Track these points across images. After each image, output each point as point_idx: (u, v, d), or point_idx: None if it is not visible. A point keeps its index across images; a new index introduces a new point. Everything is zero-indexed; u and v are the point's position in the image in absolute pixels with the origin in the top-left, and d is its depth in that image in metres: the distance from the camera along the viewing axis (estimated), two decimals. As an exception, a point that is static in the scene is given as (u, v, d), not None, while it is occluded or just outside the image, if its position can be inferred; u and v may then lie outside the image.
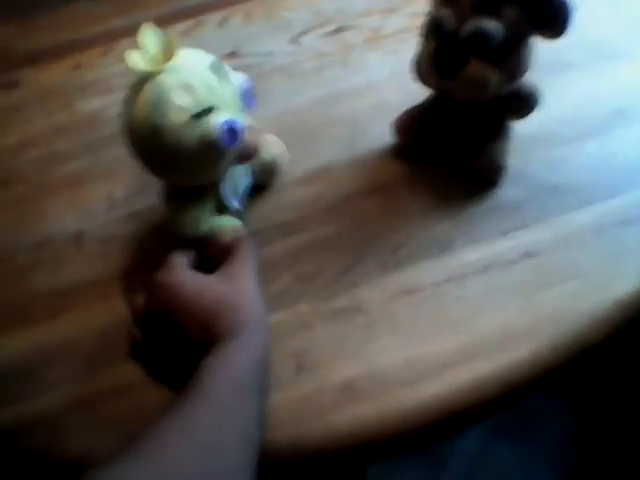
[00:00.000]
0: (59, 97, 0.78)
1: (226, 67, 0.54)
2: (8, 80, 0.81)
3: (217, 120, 0.50)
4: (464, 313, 0.54)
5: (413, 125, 0.65)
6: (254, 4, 0.87)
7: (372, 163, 0.66)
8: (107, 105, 0.76)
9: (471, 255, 0.58)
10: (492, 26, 0.52)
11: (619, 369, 1.18)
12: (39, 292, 0.60)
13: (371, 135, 0.68)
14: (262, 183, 0.64)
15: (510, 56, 0.55)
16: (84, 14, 0.88)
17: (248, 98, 0.55)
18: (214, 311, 0.49)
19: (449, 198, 0.62)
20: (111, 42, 0.83)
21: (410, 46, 0.58)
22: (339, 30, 0.82)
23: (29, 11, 0.90)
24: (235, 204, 0.59)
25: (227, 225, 0.57)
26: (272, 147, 0.63)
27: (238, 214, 0.59)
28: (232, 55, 0.80)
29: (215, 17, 0.86)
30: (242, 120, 0.53)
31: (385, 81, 0.74)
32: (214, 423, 0.42)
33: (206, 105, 0.50)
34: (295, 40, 0.82)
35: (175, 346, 0.51)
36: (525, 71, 0.56)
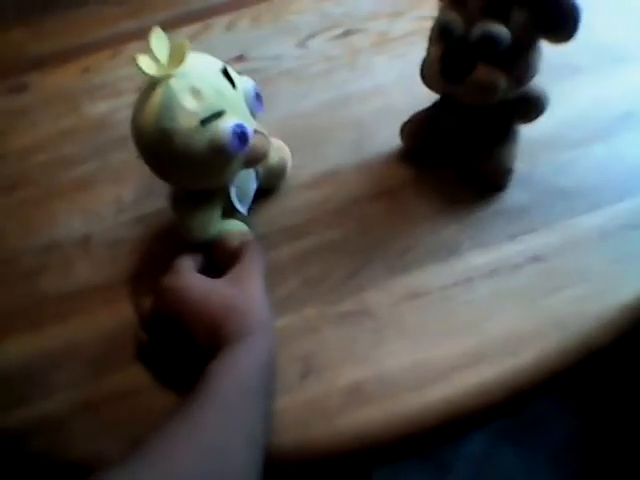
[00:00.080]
0: (67, 101, 0.79)
1: (234, 72, 0.54)
2: (16, 84, 0.82)
3: (226, 125, 0.51)
4: (471, 317, 0.54)
5: (420, 129, 0.65)
6: (261, 8, 0.87)
7: (379, 167, 0.66)
8: (115, 109, 0.76)
9: (478, 259, 0.58)
10: (500, 30, 0.52)
11: (624, 373, 1.17)
12: (46, 296, 0.60)
13: (378, 139, 0.68)
14: (269, 187, 0.64)
15: (518, 60, 0.55)
16: (92, 18, 0.89)
17: (256, 102, 0.55)
18: (221, 315, 0.49)
19: (456, 202, 0.62)
20: (119, 46, 0.83)
21: (417, 50, 0.58)
22: (346, 34, 0.82)
23: (37, 15, 0.90)
24: (242, 208, 0.59)
25: (234, 229, 0.57)
26: (278, 151, 0.63)
27: (245, 218, 0.59)
28: (239, 59, 0.80)
29: (222, 21, 0.86)
30: (250, 124, 0.53)
31: (392, 85, 0.74)
32: (220, 427, 0.42)
33: (215, 110, 0.50)
34: (302, 44, 0.82)
35: (181, 349, 0.51)
36: (533, 75, 0.56)
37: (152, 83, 0.50)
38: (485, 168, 0.62)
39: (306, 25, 0.84)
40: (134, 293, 0.59)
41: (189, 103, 0.49)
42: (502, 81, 0.54)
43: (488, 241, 0.59)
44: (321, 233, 0.61)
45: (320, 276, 0.58)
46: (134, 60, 0.49)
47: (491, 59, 0.53)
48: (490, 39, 0.52)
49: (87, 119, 0.76)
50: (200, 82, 0.50)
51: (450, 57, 0.55)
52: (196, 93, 0.50)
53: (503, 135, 0.61)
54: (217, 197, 0.56)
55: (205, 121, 0.50)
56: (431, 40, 0.58)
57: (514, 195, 0.62)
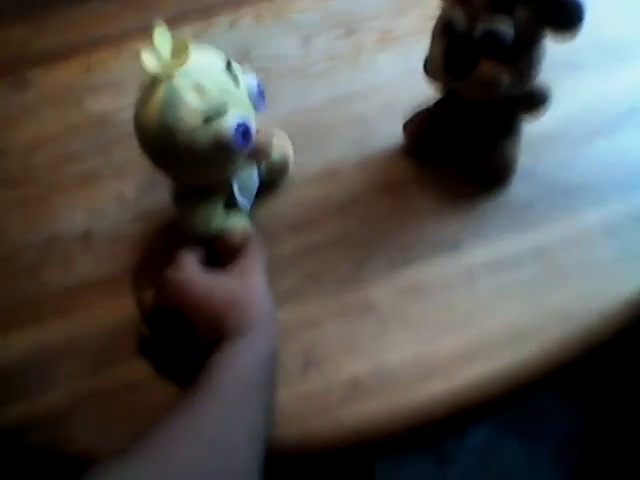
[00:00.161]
0: (69, 97, 0.79)
1: (238, 68, 0.54)
2: (18, 80, 0.82)
3: (230, 121, 0.51)
4: (473, 311, 0.54)
5: (423, 125, 0.65)
6: (264, 6, 0.87)
7: (382, 163, 0.66)
8: (118, 105, 0.75)
9: (481, 253, 0.58)
10: (504, 26, 0.52)
11: (627, 366, 1.17)
12: (47, 290, 0.60)
13: (381, 135, 0.68)
14: (271, 182, 0.64)
15: (522, 56, 0.55)
16: (95, 14, 0.89)
17: (259, 99, 0.55)
18: (223, 309, 0.49)
19: (459, 197, 0.62)
20: (122, 42, 0.83)
21: (421, 47, 0.58)
22: (349, 32, 0.82)
23: (40, 11, 0.90)
24: (245, 203, 0.59)
25: (237, 224, 0.57)
26: (281, 147, 0.63)
27: (247, 213, 0.59)
28: (242, 57, 0.80)
29: (225, 19, 0.86)
30: (254, 121, 0.53)
31: (396, 82, 0.74)
32: (220, 421, 0.42)
33: (219, 106, 0.50)
34: (305, 42, 0.82)
35: (183, 343, 0.51)
36: (537, 71, 0.56)
37: (155, 80, 0.50)
38: (488, 163, 0.62)
39: (309, 23, 0.84)
40: (136, 287, 0.59)
41: (193, 100, 0.49)
42: (506, 77, 0.54)
43: (491, 235, 0.59)
44: (324, 228, 0.61)
45: (322, 270, 0.58)
46: (138, 57, 0.49)
47: (495, 55, 0.53)
48: (494, 35, 0.52)
49: (90, 116, 0.76)
50: (204, 79, 0.50)
51: (454, 53, 0.55)
52: (200, 90, 0.50)
53: (506, 130, 0.61)
54: (220, 192, 0.56)
55: (209, 118, 0.50)
56: (434, 36, 0.58)
57: (517, 190, 0.62)
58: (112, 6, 0.89)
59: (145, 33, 0.50)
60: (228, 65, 0.53)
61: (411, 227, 0.60)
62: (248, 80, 0.55)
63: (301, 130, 0.69)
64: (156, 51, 0.50)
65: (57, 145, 0.73)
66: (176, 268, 0.52)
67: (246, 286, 0.51)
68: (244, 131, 0.51)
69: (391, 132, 0.67)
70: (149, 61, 0.49)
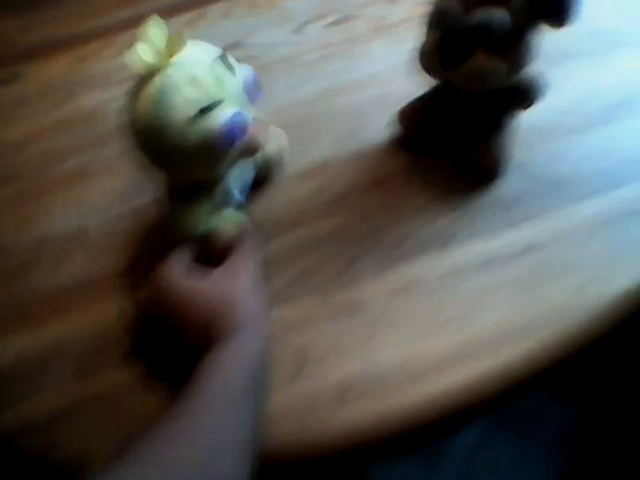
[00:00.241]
0: (60, 91, 0.78)
1: (232, 59, 0.53)
2: (8, 74, 0.81)
3: (225, 114, 0.50)
4: (466, 307, 0.54)
5: (416, 117, 0.64)
6: (258, -6, 0.86)
7: (374, 156, 0.66)
8: (109, 99, 0.75)
9: (474, 248, 0.58)
10: (499, 16, 0.52)
11: (617, 363, 1.17)
12: (37, 291, 0.60)
13: (373, 127, 0.68)
14: (264, 176, 0.64)
15: (516, 46, 0.54)
16: (85, 7, 0.88)
17: (253, 91, 0.55)
18: (212, 313, 0.48)
19: (451, 191, 0.62)
20: (112, 35, 0.83)
21: (415, 35, 0.58)
22: (343, 20, 0.81)
23: (30, 5, 0.89)
24: (240, 198, 0.59)
25: (231, 220, 0.57)
26: (275, 140, 0.63)
27: (241, 208, 0.59)
28: (235, 46, 0.79)
29: (218, 8, 0.85)
30: (249, 113, 0.53)
31: (389, 72, 0.73)
32: (211, 427, 0.42)
33: (213, 99, 0.50)
34: (299, 31, 0.81)
35: (174, 347, 0.51)
36: (531, 61, 0.56)
37: (148, 72, 0.50)
38: (481, 156, 0.62)
39: (302, 11, 0.83)
40: (126, 288, 0.58)
41: (187, 92, 0.49)
42: (500, 67, 0.54)
43: (483, 230, 0.59)
44: (316, 224, 0.61)
45: (315, 268, 0.58)
46: (131, 49, 0.48)
47: (489, 45, 0.53)
48: (488, 25, 0.52)
49: (80, 110, 0.76)
50: (198, 71, 0.50)
51: (448, 43, 0.55)
52: (195, 82, 0.49)
53: (499, 123, 0.61)
54: (211, 190, 0.56)
55: (203, 110, 0.49)
56: (428, 26, 0.57)
57: (510, 183, 0.62)
58: (101, -1, 0.89)
59: (137, 25, 0.49)
60: (223, 56, 0.52)
61: (404, 222, 0.60)
62: (243, 71, 0.54)
63: (293, 123, 0.68)
64: (150, 42, 0.49)
65: (47, 141, 0.73)
66: (164, 270, 0.52)
67: (234, 288, 0.50)
68: (238, 123, 0.51)
69: (383, 124, 0.67)
70: (141, 53, 0.48)
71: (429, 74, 0.59)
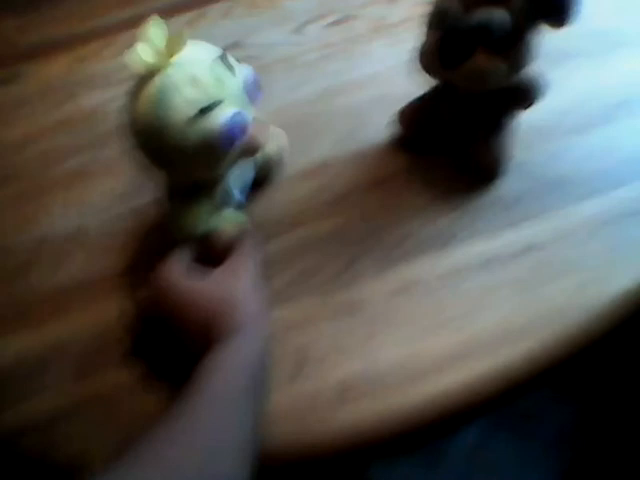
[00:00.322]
0: (60, 91, 0.78)
1: (232, 60, 0.53)
2: (8, 74, 0.81)
3: (225, 114, 0.50)
4: (466, 308, 0.54)
5: (416, 117, 0.64)
6: (258, -6, 0.86)
7: (374, 156, 0.66)
8: (109, 99, 0.75)
9: (474, 248, 0.58)
10: (499, 16, 0.52)
11: (617, 363, 1.17)
12: (37, 292, 0.60)
13: (373, 128, 0.68)
14: (264, 176, 0.64)
15: (516, 46, 0.54)
16: (84, 7, 0.88)
17: (253, 91, 0.55)
18: (212, 312, 0.48)
19: (451, 191, 0.62)
20: (112, 35, 0.83)
21: (415, 35, 0.58)
22: (343, 20, 0.81)
23: (29, 5, 0.89)
24: (240, 198, 0.59)
25: (231, 220, 0.57)
26: (275, 140, 0.63)
27: (241, 208, 0.59)
28: (235, 46, 0.79)
29: (218, 8, 0.85)
30: (249, 113, 0.53)
31: (390, 72, 0.73)
32: (211, 428, 0.42)
33: (214, 99, 0.50)
34: (299, 30, 0.81)
35: (174, 346, 0.51)
36: (531, 61, 0.56)
37: (148, 72, 0.50)
38: (481, 156, 0.62)
39: (302, 11, 0.83)
40: (126, 288, 0.58)
41: (187, 92, 0.49)
42: (500, 67, 0.54)
43: (483, 230, 0.59)
44: (316, 224, 0.61)
45: (315, 268, 0.58)
46: (132, 49, 0.48)
47: (489, 45, 0.53)
48: (488, 25, 0.52)
49: (80, 110, 0.75)
50: (198, 70, 0.50)
51: (447, 43, 0.55)
52: (195, 82, 0.49)
53: (499, 122, 0.61)
54: (211, 190, 0.56)
55: (203, 110, 0.49)
56: (428, 26, 0.57)
57: (510, 183, 0.62)
58: (101, -1, 0.89)
59: (136, 25, 0.49)
60: (223, 56, 0.52)
61: (404, 222, 0.60)
62: (243, 72, 0.54)
63: (293, 123, 0.68)
64: (150, 43, 0.49)
65: (47, 141, 0.73)
66: (164, 269, 0.52)
67: (234, 288, 0.50)
68: (238, 123, 0.51)
69: (384, 124, 0.67)
70: (141, 53, 0.48)
71: (429, 74, 0.59)
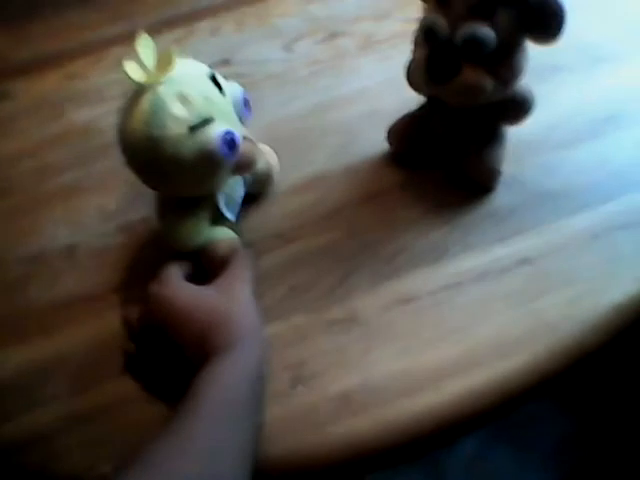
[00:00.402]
0: (50, 108, 0.78)
1: (222, 78, 0.53)
2: (0, 91, 0.81)
3: (215, 132, 0.50)
4: (460, 321, 0.54)
5: (407, 132, 0.65)
6: (246, 12, 0.87)
7: (366, 171, 0.66)
8: (100, 115, 0.75)
9: (467, 262, 0.58)
10: (486, 32, 0.52)
11: (615, 372, 1.18)
12: (33, 307, 0.60)
13: (365, 143, 0.68)
14: (256, 193, 0.64)
15: (504, 61, 0.55)
16: (75, 23, 0.88)
17: (244, 109, 0.55)
18: (208, 325, 0.48)
19: (444, 205, 0.62)
20: (103, 51, 0.83)
21: (403, 51, 0.58)
22: (332, 37, 0.82)
23: (19, 22, 0.89)
24: (231, 215, 0.59)
25: (222, 237, 0.57)
26: (266, 157, 0.63)
27: (233, 225, 0.59)
28: (224, 63, 0.80)
29: (207, 25, 0.86)
30: (239, 131, 0.53)
31: (378, 87, 0.74)
32: (208, 442, 0.42)
33: (204, 116, 0.50)
34: (288, 47, 0.81)
35: (170, 360, 0.51)
36: (519, 76, 0.56)
37: (139, 89, 0.50)
38: (472, 170, 0.62)
39: (291, 28, 0.84)
40: (121, 303, 0.58)
41: (178, 110, 0.49)
42: (488, 82, 0.54)
43: (476, 244, 0.59)
44: (309, 239, 0.61)
45: (308, 283, 0.58)
46: (121, 66, 0.48)
47: (477, 61, 0.53)
48: (476, 41, 0.52)
49: (71, 126, 0.75)
50: (188, 88, 0.50)
51: (435, 59, 0.55)
52: (184, 100, 0.49)
53: (490, 137, 0.61)
54: (205, 204, 0.56)
55: (194, 128, 0.49)
56: (416, 42, 0.58)
57: (501, 197, 0.62)
58: (92, 15, 0.89)
59: (126, 42, 0.50)
60: (213, 75, 0.52)
61: (396, 236, 0.60)
62: (233, 90, 0.54)
63: (284, 139, 0.68)
64: (139, 60, 0.49)
65: (39, 157, 0.73)
66: (160, 284, 0.52)
67: (231, 301, 0.50)
68: (229, 141, 0.51)
69: (375, 139, 0.67)
70: (132, 71, 0.48)
71: (418, 90, 0.59)
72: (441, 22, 0.54)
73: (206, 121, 0.50)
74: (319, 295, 0.57)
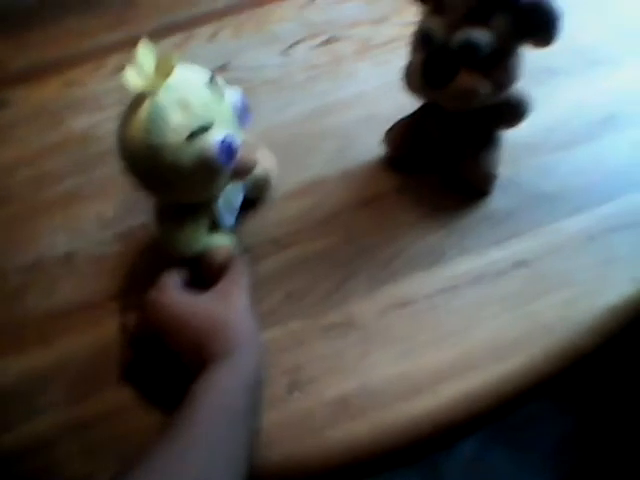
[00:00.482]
0: (49, 115, 0.79)
1: (222, 83, 0.53)
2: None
3: (214, 138, 0.50)
4: (457, 325, 0.54)
5: (404, 136, 0.65)
6: (244, 17, 0.87)
7: (363, 175, 0.66)
8: (98, 122, 0.76)
9: (463, 266, 0.58)
10: (482, 36, 0.52)
11: (614, 372, 1.18)
12: (31, 315, 0.60)
13: (362, 147, 0.68)
14: (254, 198, 0.64)
15: (500, 65, 0.55)
16: (73, 30, 0.89)
17: (243, 114, 0.55)
18: (205, 332, 0.48)
19: (440, 209, 0.62)
20: (101, 58, 0.83)
21: (400, 56, 0.58)
22: (329, 41, 0.82)
23: (18, 30, 0.90)
24: (229, 221, 0.59)
25: (221, 243, 0.57)
26: (264, 161, 0.63)
27: (231, 230, 0.59)
28: (222, 69, 0.80)
29: (205, 31, 0.86)
30: (238, 136, 0.53)
31: (376, 92, 0.74)
32: (206, 448, 0.42)
33: (203, 122, 0.50)
34: (285, 52, 0.82)
35: (167, 367, 0.51)
36: (515, 80, 0.56)
37: (139, 97, 0.50)
38: (469, 173, 0.62)
39: (288, 34, 0.84)
40: (119, 310, 0.58)
41: (177, 116, 0.49)
42: (484, 87, 0.54)
43: (473, 247, 0.59)
44: (306, 244, 0.61)
45: (305, 288, 0.58)
46: (119, 73, 0.48)
47: (473, 65, 0.54)
48: (472, 45, 0.52)
49: (70, 133, 0.76)
50: (188, 95, 0.50)
51: (432, 63, 0.55)
52: (184, 106, 0.49)
53: (486, 140, 0.61)
54: (203, 211, 0.56)
55: (193, 134, 0.50)
56: (413, 47, 0.58)
57: (498, 200, 0.62)
58: (90, 22, 0.89)
59: (125, 48, 0.50)
60: (212, 80, 0.52)
61: (393, 240, 0.60)
62: (232, 95, 0.54)
63: (282, 143, 0.69)
64: (139, 67, 0.49)
65: (37, 164, 0.73)
66: (157, 291, 0.52)
67: (229, 308, 0.50)
68: (228, 147, 0.51)
69: (372, 144, 0.67)
70: (132, 78, 0.48)
71: (415, 94, 0.59)
72: (437, 27, 0.54)
73: (205, 127, 0.50)
74: (316, 300, 0.57)
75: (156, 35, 0.82)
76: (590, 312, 0.54)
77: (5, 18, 0.92)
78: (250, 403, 0.46)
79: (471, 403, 0.50)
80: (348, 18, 0.85)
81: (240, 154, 0.53)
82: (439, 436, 0.50)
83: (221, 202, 0.57)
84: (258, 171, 0.61)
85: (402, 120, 0.65)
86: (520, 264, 0.57)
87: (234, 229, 0.60)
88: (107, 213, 0.67)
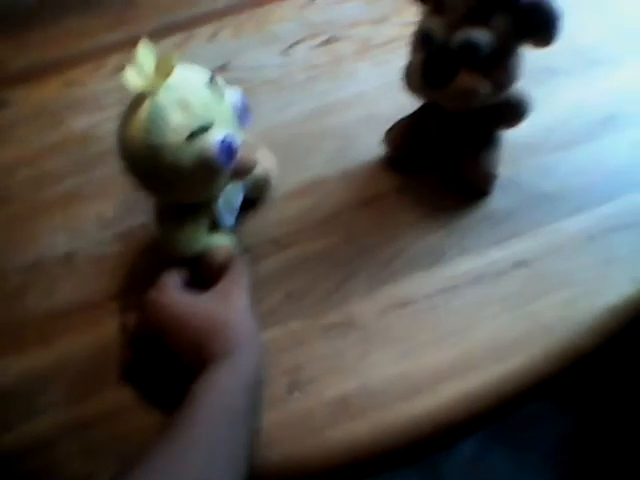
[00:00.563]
0: (49, 115, 0.79)
1: (222, 83, 0.53)
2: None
3: (214, 137, 0.50)
4: (457, 325, 0.54)
5: (404, 136, 0.65)
6: (244, 17, 0.87)
7: (363, 175, 0.66)
8: (98, 122, 0.76)
9: (463, 266, 0.58)
10: (482, 36, 0.52)
11: (614, 372, 1.18)
12: (31, 315, 0.60)
13: (362, 147, 0.68)
14: (254, 198, 0.64)
15: (500, 65, 0.55)
16: (73, 30, 0.89)
17: (243, 114, 0.55)
18: (205, 332, 0.48)
19: (440, 209, 0.62)
20: (101, 58, 0.83)
21: (400, 56, 0.58)
22: (329, 41, 0.82)
23: (18, 30, 0.90)
24: (229, 221, 0.59)
25: (220, 244, 0.57)
26: (264, 161, 0.63)
27: (231, 230, 0.59)
28: (222, 69, 0.80)
29: (205, 31, 0.86)
30: (238, 136, 0.53)
31: (375, 92, 0.74)
32: (206, 448, 0.42)
33: (203, 122, 0.50)
34: (285, 52, 0.82)
35: (167, 367, 0.51)
36: (515, 80, 0.56)
37: (139, 97, 0.50)
38: (469, 173, 0.62)
39: (288, 34, 0.84)
40: (119, 310, 0.58)
41: (177, 116, 0.49)
42: (484, 87, 0.54)
43: (473, 247, 0.59)
44: (306, 244, 0.61)
45: (305, 288, 0.58)
46: (119, 73, 0.48)
47: (473, 65, 0.54)
48: (472, 45, 0.52)
49: (70, 133, 0.76)
50: (188, 95, 0.50)
51: (432, 63, 0.55)
52: (184, 106, 0.49)
53: (486, 140, 0.61)
54: (203, 211, 0.56)
55: (193, 134, 0.50)
56: (413, 47, 0.58)
57: (498, 200, 0.62)
58: (90, 22, 0.89)
59: (125, 48, 0.50)
60: (212, 79, 0.52)
61: (393, 240, 0.60)
62: (232, 95, 0.54)
63: (282, 143, 0.69)
64: (139, 67, 0.49)
65: (38, 164, 0.73)
66: (157, 291, 0.52)
67: (229, 308, 0.50)
68: (228, 146, 0.51)
69: (372, 144, 0.67)
70: (132, 77, 0.48)
71: (415, 94, 0.59)
72: (437, 27, 0.54)
73: (205, 127, 0.50)
74: (316, 300, 0.57)
75: (156, 35, 0.82)
76: (590, 312, 0.53)
77: (5, 18, 0.92)
78: (250, 403, 0.46)
79: (471, 403, 0.50)
80: (348, 18, 0.85)
81: (240, 154, 0.53)
82: (439, 436, 0.50)
83: (221, 202, 0.57)
84: (258, 171, 0.61)
85: (402, 120, 0.65)
86: (520, 264, 0.57)
87: (234, 229, 0.60)
88: (107, 213, 0.67)
